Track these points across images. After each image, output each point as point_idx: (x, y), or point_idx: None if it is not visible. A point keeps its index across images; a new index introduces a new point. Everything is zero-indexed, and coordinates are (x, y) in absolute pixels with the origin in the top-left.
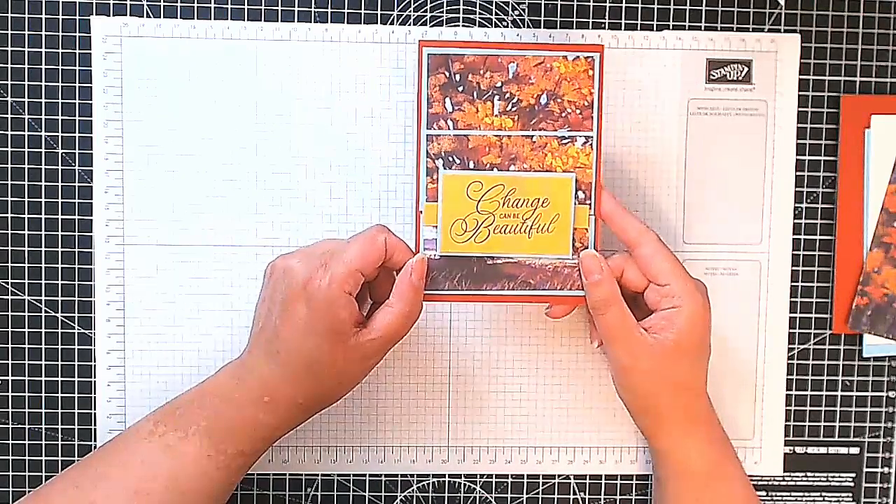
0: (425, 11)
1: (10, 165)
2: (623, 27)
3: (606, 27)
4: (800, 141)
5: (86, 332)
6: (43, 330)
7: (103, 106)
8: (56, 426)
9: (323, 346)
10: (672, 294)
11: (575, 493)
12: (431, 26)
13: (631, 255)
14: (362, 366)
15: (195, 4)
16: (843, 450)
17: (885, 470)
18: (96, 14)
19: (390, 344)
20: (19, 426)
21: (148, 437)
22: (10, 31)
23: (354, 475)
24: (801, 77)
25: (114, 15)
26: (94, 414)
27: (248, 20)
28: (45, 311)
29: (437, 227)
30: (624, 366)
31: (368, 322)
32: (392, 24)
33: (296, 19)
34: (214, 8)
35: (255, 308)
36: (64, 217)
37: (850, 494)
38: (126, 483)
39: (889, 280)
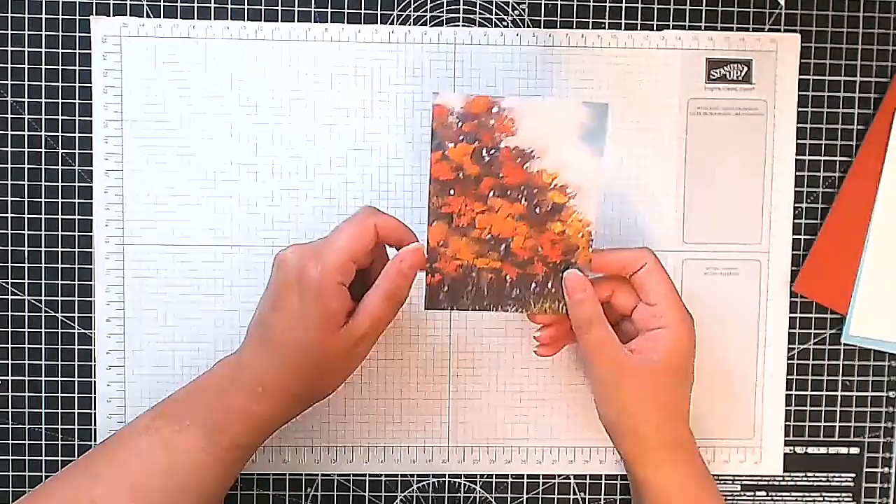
0: (425, 11)
1: (10, 165)
2: (623, 27)
3: (606, 27)
4: (800, 141)
5: (86, 332)
6: (43, 330)
7: (103, 106)
8: (56, 426)
9: (314, 336)
10: (660, 314)
11: (575, 493)
12: (431, 26)
13: (629, 279)
14: (354, 354)
15: (195, 4)
16: (843, 450)
17: (885, 470)
18: (96, 14)
19: (377, 328)
20: (19, 426)
21: (144, 431)
22: (10, 31)
23: (354, 475)
24: (801, 77)
25: (114, 15)
26: (94, 414)
27: (248, 20)
28: (45, 311)
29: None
30: (609, 382)
31: (356, 309)
32: (392, 24)
33: (296, 19)
34: (214, 8)
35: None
36: (64, 217)
37: (850, 494)
38: (125, 479)
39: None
